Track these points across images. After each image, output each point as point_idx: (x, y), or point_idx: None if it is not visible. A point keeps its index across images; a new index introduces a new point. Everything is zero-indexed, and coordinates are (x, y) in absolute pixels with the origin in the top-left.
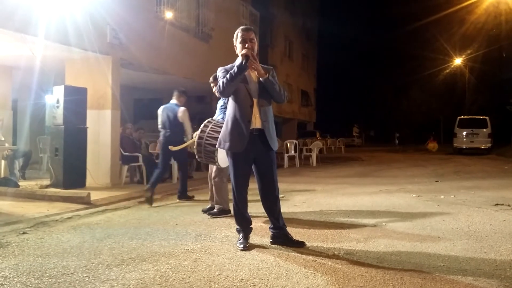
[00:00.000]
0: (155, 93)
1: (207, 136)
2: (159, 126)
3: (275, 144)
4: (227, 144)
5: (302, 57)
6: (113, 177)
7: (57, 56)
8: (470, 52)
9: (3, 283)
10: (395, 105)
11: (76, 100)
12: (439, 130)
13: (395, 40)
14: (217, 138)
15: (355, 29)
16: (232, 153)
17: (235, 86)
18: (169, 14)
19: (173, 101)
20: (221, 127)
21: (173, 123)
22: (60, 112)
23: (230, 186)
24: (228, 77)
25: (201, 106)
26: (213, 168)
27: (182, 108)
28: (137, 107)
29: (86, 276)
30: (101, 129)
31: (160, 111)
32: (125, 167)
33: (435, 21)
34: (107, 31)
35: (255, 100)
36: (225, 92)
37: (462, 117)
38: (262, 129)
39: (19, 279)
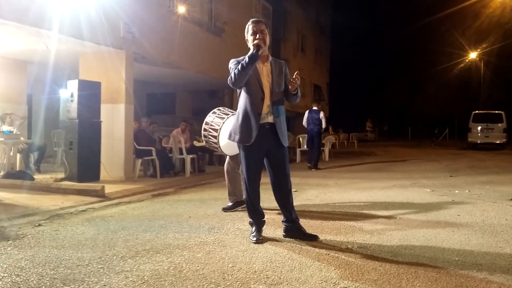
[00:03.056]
0: (168, 87)
1: (212, 122)
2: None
3: (285, 141)
4: (237, 137)
5: (315, 51)
6: (126, 171)
7: (71, 50)
8: (485, 46)
9: (20, 273)
10: (409, 99)
11: (90, 94)
12: (453, 125)
13: (409, 34)
14: (219, 124)
15: (369, 23)
16: (244, 145)
17: (247, 77)
18: (181, 9)
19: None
20: (226, 114)
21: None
22: (74, 106)
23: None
24: (239, 67)
25: (213, 100)
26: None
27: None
28: (150, 101)
29: (101, 268)
30: (115, 123)
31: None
32: (139, 161)
33: (450, 14)
34: (121, 25)
35: (266, 94)
36: (236, 82)
37: (477, 111)
38: (274, 124)
39: (35, 270)
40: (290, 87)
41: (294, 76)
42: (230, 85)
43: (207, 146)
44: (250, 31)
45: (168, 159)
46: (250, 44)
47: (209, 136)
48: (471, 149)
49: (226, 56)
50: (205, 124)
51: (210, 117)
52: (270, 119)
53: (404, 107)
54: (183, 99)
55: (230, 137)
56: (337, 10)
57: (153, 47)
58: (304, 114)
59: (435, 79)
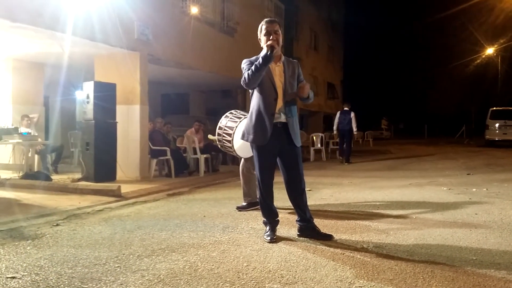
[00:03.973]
0: (181, 88)
1: (226, 126)
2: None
3: (298, 141)
4: (251, 137)
5: (328, 49)
6: (142, 171)
7: (86, 52)
8: (502, 41)
9: (39, 272)
10: (424, 96)
11: (106, 96)
12: (470, 122)
13: (424, 30)
14: (233, 128)
15: (383, 19)
16: (257, 145)
17: (260, 78)
18: (194, 9)
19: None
20: (239, 117)
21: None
22: (90, 107)
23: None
24: (253, 69)
25: (226, 100)
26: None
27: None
28: (164, 102)
29: (118, 266)
30: (130, 123)
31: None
32: (154, 161)
33: (464, 9)
34: (135, 27)
35: (279, 94)
36: (250, 83)
37: (494, 108)
38: (286, 123)
39: (54, 268)
40: (300, 93)
41: (300, 85)
42: (244, 86)
43: (222, 150)
44: (264, 31)
45: (183, 159)
46: (263, 44)
47: (224, 141)
48: (488, 146)
49: (239, 56)
50: (219, 128)
51: (223, 121)
52: (282, 118)
53: (420, 104)
54: (197, 99)
55: (243, 137)
56: (349, 6)
57: (167, 48)
58: (317, 113)
59: (450, 76)
